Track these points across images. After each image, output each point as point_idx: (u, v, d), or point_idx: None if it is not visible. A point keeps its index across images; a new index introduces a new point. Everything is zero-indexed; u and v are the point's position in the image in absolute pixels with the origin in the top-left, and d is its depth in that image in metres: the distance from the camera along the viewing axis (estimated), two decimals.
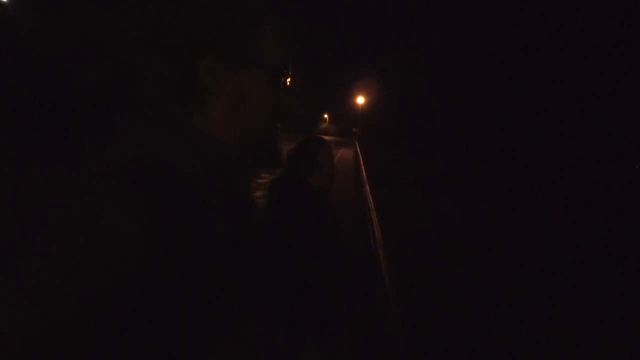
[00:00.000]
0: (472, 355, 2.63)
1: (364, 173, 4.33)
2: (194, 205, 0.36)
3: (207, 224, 0.37)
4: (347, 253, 1.14)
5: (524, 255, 5.07)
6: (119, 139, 0.38)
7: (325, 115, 59.90)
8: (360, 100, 41.24)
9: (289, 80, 0.51)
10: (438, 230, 5.73)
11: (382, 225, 1.84)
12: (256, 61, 0.45)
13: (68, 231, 0.29)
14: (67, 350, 0.26)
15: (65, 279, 0.27)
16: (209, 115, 0.44)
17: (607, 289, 4.15)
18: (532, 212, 8.26)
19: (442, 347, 2.62)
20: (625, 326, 3.34)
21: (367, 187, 3.09)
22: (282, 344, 0.46)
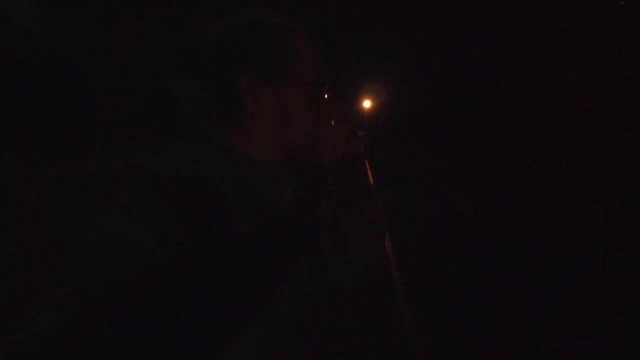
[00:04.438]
0: None
1: (372, 178, 4.24)
2: (224, 228, 0.37)
3: (234, 247, 0.37)
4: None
5: (546, 256, 5.00)
6: (153, 156, 0.39)
7: None
8: (367, 103, 41.16)
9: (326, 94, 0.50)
10: (451, 237, 5.66)
11: (392, 235, 1.77)
12: (295, 77, 0.44)
13: (93, 242, 0.30)
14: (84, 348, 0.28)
15: (84, 286, 0.29)
16: (250, 136, 0.44)
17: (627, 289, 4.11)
18: (545, 211, 8.16)
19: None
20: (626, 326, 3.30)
21: (376, 193, 3.00)
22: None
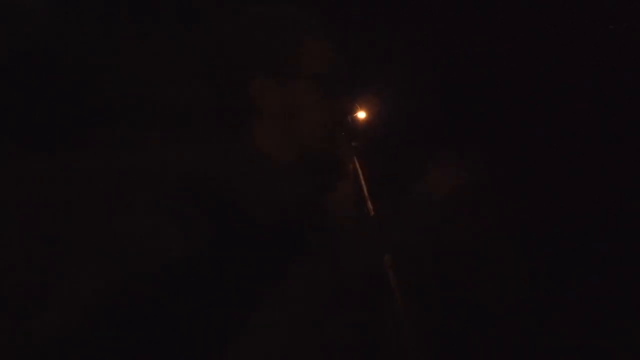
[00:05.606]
0: None
1: (365, 189, 4.26)
2: (245, 225, 0.37)
3: (257, 244, 0.37)
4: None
5: (546, 257, 4.98)
6: (174, 156, 0.40)
7: None
8: (362, 114, 41.34)
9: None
10: (446, 245, 5.60)
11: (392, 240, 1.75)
12: (303, 72, 0.43)
13: (119, 240, 0.30)
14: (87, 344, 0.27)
15: (89, 286, 0.28)
16: (260, 135, 0.43)
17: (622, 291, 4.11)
18: (545, 213, 8.15)
19: None
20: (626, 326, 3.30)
21: (369, 203, 3.03)
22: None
